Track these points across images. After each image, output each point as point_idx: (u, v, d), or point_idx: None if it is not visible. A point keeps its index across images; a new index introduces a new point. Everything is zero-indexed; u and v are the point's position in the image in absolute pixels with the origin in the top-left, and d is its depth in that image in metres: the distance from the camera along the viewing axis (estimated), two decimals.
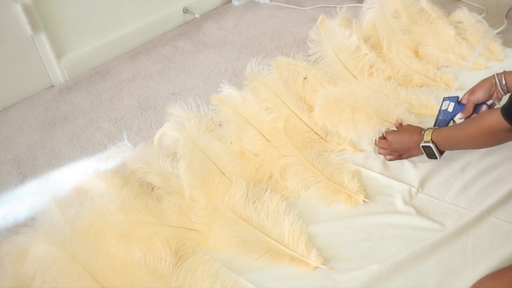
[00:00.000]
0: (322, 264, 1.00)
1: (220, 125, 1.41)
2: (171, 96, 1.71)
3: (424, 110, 1.38)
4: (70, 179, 1.33)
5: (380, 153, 1.26)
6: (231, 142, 1.34)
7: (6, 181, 1.40)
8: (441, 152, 1.15)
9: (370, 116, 1.26)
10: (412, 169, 1.20)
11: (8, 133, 1.63)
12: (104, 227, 1.08)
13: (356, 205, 1.13)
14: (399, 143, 1.20)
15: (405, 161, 1.22)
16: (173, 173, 1.24)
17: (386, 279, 0.95)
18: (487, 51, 1.62)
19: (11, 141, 1.58)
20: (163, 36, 2.16)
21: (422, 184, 1.16)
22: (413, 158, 1.22)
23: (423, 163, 1.20)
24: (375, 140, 1.27)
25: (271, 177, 1.25)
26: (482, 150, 1.20)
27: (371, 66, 1.58)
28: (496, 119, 1.01)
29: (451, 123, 1.22)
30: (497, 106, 1.17)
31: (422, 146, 1.15)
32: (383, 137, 1.25)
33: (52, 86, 1.88)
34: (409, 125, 1.24)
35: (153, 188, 1.25)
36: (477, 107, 1.18)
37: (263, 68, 1.53)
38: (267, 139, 1.31)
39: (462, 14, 1.72)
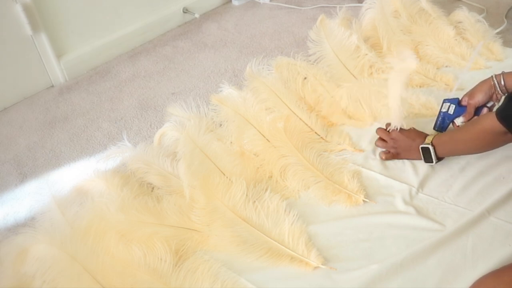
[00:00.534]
0: (322, 264, 1.00)
1: (220, 125, 1.41)
2: (171, 96, 1.71)
3: (424, 110, 1.38)
4: (70, 179, 1.33)
5: (377, 145, 1.26)
6: (231, 142, 1.34)
7: (6, 181, 1.40)
8: (439, 159, 1.15)
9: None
10: (412, 169, 1.20)
11: (8, 133, 1.63)
12: (104, 227, 1.08)
13: (356, 205, 1.13)
14: (402, 141, 1.20)
15: (405, 161, 1.22)
16: (173, 173, 1.24)
17: (386, 279, 0.95)
18: (487, 51, 1.62)
19: (11, 141, 1.58)
20: (163, 36, 2.16)
21: (422, 184, 1.16)
22: None
23: (423, 163, 1.20)
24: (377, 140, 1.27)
25: (271, 177, 1.25)
26: None
27: (371, 66, 1.58)
28: (490, 122, 1.00)
29: (450, 126, 1.22)
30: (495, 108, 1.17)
31: (421, 147, 1.15)
32: (384, 131, 1.24)
33: (52, 86, 1.88)
34: (414, 128, 1.24)
35: (153, 188, 1.25)
36: (478, 110, 1.18)
37: (263, 68, 1.53)
38: (267, 139, 1.31)
39: (462, 14, 1.72)
